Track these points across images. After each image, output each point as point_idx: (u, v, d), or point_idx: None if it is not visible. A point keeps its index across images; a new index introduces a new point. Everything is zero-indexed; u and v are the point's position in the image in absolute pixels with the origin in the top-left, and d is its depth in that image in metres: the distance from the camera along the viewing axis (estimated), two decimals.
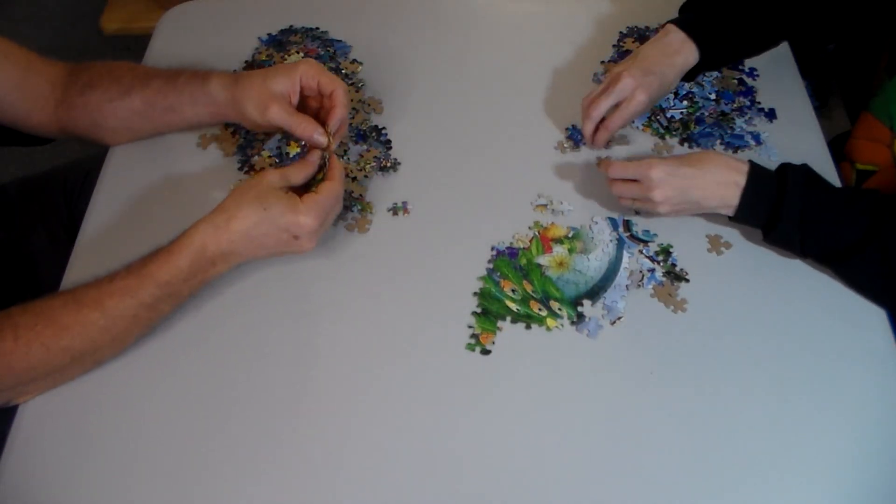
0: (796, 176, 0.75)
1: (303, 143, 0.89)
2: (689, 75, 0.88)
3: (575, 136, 0.90)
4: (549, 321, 0.75)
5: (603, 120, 0.85)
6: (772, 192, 0.75)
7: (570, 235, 0.81)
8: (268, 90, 0.79)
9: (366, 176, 0.88)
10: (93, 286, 0.68)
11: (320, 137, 0.78)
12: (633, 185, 0.78)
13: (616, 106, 0.84)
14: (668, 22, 0.87)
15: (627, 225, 0.82)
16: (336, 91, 0.80)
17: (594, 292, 0.77)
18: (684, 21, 0.86)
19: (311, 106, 0.83)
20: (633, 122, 0.91)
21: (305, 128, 0.78)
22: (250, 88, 0.80)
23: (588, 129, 0.86)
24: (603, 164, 0.83)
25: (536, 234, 0.81)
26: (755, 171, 0.76)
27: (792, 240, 0.75)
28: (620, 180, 0.79)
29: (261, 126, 0.83)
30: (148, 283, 0.68)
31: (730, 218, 0.78)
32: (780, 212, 0.74)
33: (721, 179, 0.76)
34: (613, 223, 0.82)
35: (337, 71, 0.99)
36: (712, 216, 0.82)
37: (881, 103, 0.88)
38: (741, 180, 0.75)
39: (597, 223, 0.82)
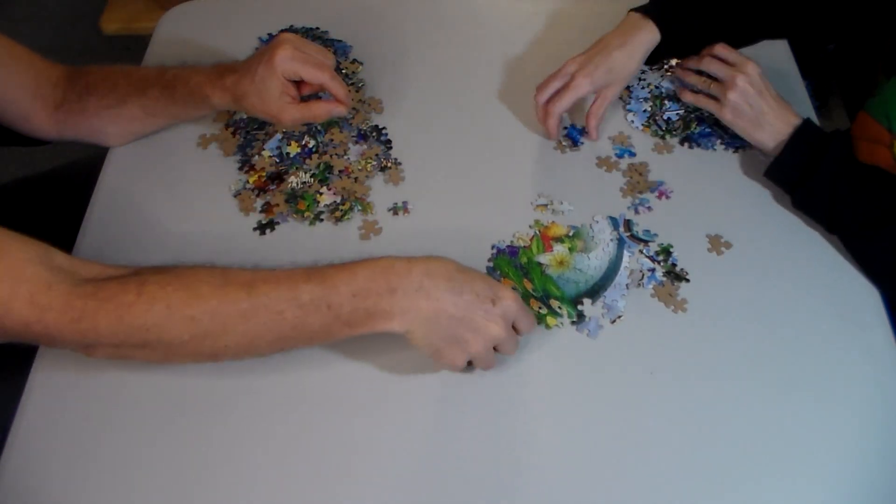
0: (843, 142, 0.77)
1: (304, 143, 0.89)
2: (656, 57, 0.88)
3: (573, 135, 0.90)
4: (550, 319, 0.75)
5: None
6: (815, 147, 0.77)
7: (570, 234, 0.81)
8: (268, 105, 0.79)
9: (367, 176, 0.88)
10: (250, 270, 0.62)
11: (339, 110, 0.81)
12: (723, 65, 0.83)
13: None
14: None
15: (628, 224, 0.82)
16: (325, 84, 0.80)
17: (594, 291, 0.77)
18: (643, 5, 0.88)
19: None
20: (633, 122, 0.92)
21: (322, 114, 0.81)
22: (254, 108, 0.80)
23: (552, 123, 0.87)
24: (703, 52, 0.86)
25: (537, 232, 0.82)
26: (809, 125, 0.80)
27: (820, 202, 0.77)
28: (715, 58, 0.83)
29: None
30: (315, 277, 0.61)
31: (765, 172, 0.81)
32: (816, 168, 0.76)
33: (784, 113, 0.80)
34: (614, 222, 0.82)
35: (337, 71, 0.99)
36: (713, 216, 0.82)
37: (879, 104, 0.88)
38: (796, 122, 0.80)
39: (597, 222, 0.82)
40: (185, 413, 0.70)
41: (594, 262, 0.79)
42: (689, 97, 0.87)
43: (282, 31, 1.04)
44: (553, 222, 0.82)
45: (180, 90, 0.83)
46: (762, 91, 0.81)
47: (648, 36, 0.85)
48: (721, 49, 0.84)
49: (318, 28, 1.05)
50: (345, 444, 0.68)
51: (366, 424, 0.69)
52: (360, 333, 0.63)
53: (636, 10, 0.88)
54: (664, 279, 0.77)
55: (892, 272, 0.74)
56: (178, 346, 0.61)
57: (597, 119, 0.88)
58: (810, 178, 0.77)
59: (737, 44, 0.91)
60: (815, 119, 0.91)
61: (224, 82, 0.81)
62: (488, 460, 0.67)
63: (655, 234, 0.81)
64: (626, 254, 0.80)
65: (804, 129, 0.79)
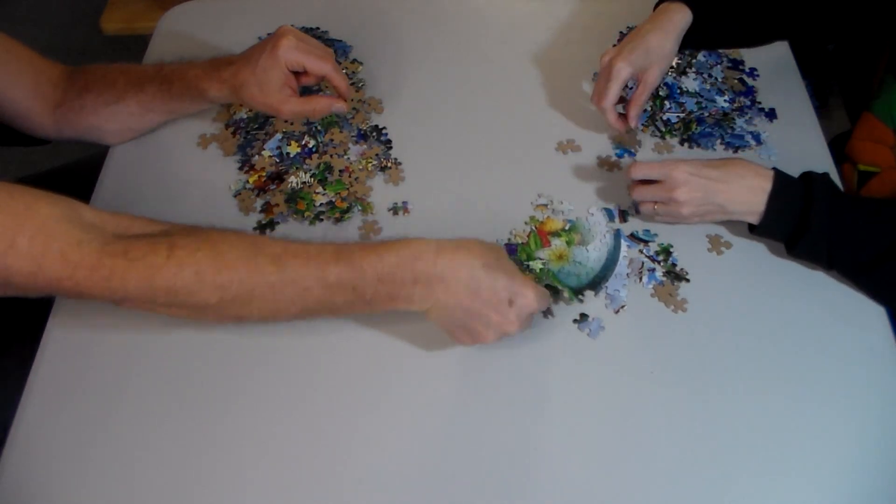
0: (823, 184, 0.73)
1: (303, 142, 0.89)
2: (691, 42, 0.87)
3: (621, 154, 0.89)
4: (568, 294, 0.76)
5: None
6: (798, 199, 0.73)
7: (567, 228, 0.81)
8: (269, 96, 0.80)
9: (367, 176, 0.88)
10: (280, 242, 0.63)
11: (339, 106, 0.82)
12: (655, 187, 0.77)
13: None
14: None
15: (623, 215, 0.82)
16: (327, 76, 0.81)
17: (596, 283, 0.77)
18: None
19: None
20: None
21: (322, 110, 0.81)
22: (253, 99, 0.80)
23: (611, 118, 0.86)
24: (627, 169, 0.80)
25: (533, 228, 0.82)
26: (781, 177, 0.74)
27: (819, 249, 0.73)
28: (642, 183, 0.78)
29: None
30: (342, 259, 0.62)
31: (751, 229, 0.77)
32: (808, 219, 0.72)
33: (747, 184, 0.74)
34: (609, 214, 0.82)
35: None
36: None
37: (884, 104, 0.88)
38: (767, 186, 0.73)
39: (592, 214, 0.83)
40: (186, 411, 0.70)
41: (593, 254, 0.79)
42: (659, 220, 0.81)
43: None
44: (549, 217, 0.83)
45: (177, 85, 0.84)
46: (706, 187, 0.74)
47: (679, 15, 0.85)
48: (637, 171, 0.77)
49: (318, 28, 1.05)
50: (344, 443, 0.68)
51: (368, 421, 0.69)
52: (381, 311, 0.65)
53: (665, 0, 0.87)
54: (664, 279, 0.77)
55: None
56: (205, 309, 0.62)
57: (639, 106, 0.85)
58: (805, 230, 0.72)
59: (757, 37, 0.92)
60: (814, 119, 0.92)
61: (221, 75, 0.81)
62: (490, 458, 0.67)
63: (655, 234, 0.81)
64: (623, 243, 0.80)
65: (778, 186, 0.73)
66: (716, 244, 0.80)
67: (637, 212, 0.81)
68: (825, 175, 0.75)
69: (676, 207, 0.76)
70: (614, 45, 0.98)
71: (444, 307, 0.64)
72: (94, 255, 0.58)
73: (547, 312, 0.75)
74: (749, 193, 0.74)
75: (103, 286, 0.59)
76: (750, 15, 0.89)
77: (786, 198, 0.73)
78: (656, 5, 0.89)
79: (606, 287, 0.77)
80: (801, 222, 0.72)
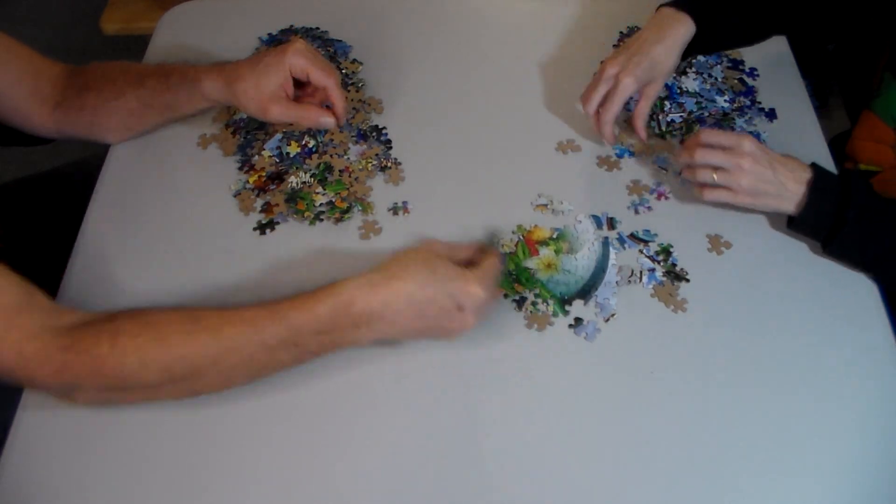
0: (860, 180, 0.74)
1: (303, 143, 0.89)
2: (694, 50, 0.86)
3: (621, 154, 0.89)
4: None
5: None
6: (837, 191, 0.74)
7: (554, 236, 0.81)
8: (262, 92, 0.80)
9: (367, 176, 0.88)
10: (216, 311, 0.63)
11: (327, 120, 0.81)
12: (721, 153, 0.76)
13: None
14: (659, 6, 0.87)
15: (611, 222, 0.82)
16: (329, 89, 0.81)
17: (585, 291, 0.77)
18: (672, 1, 0.86)
19: (307, 89, 0.84)
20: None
21: (310, 118, 0.80)
22: (245, 94, 0.80)
23: (607, 132, 0.85)
24: (688, 141, 0.80)
25: (521, 237, 0.81)
26: (819, 171, 0.76)
27: (852, 243, 0.74)
28: (707, 147, 0.77)
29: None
30: (277, 321, 0.62)
31: (789, 223, 0.78)
32: (846, 210, 0.73)
33: (795, 171, 0.75)
34: (597, 221, 0.82)
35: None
36: (713, 216, 0.82)
37: (884, 103, 0.88)
38: (808, 175, 0.75)
39: (580, 222, 0.82)
40: (186, 415, 0.70)
41: (582, 262, 0.79)
42: (707, 195, 0.79)
43: (282, 30, 1.04)
44: (536, 226, 0.82)
45: (175, 77, 0.84)
46: (770, 162, 0.76)
47: (684, 29, 0.83)
48: (708, 136, 0.78)
49: (318, 28, 1.05)
50: (343, 443, 0.68)
51: (364, 425, 0.69)
52: (332, 353, 0.66)
53: (667, 5, 0.86)
54: (664, 279, 0.77)
55: None
56: (156, 390, 0.64)
57: (643, 119, 0.85)
58: (840, 228, 0.73)
59: (755, 37, 0.91)
60: (814, 119, 0.92)
61: (221, 68, 0.82)
62: (488, 463, 0.67)
63: (655, 234, 0.81)
64: (612, 251, 0.79)
65: (819, 179, 0.75)
66: (716, 244, 0.80)
67: (679, 175, 0.82)
68: (863, 179, 0.76)
69: (738, 177, 0.76)
70: (615, 46, 0.98)
71: (398, 334, 0.66)
72: (46, 350, 0.60)
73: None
74: (797, 183, 0.75)
75: (55, 379, 0.61)
76: (750, 20, 0.88)
77: (823, 190, 0.74)
78: (658, 7, 0.88)
79: (596, 296, 0.76)
80: (837, 218, 0.73)
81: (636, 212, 0.83)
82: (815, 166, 0.76)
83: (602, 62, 0.85)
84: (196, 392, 0.66)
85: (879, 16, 0.86)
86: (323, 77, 0.80)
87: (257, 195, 0.86)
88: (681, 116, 0.92)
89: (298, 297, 0.63)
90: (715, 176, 0.77)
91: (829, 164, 0.86)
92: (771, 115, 0.92)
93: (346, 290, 0.62)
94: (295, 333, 0.62)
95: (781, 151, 0.87)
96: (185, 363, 0.61)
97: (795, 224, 0.77)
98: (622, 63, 0.82)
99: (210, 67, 0.83)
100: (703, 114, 0.91)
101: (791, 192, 0.75)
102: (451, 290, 0.63)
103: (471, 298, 0.64)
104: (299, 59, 0.79)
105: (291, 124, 0.90)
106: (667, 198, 0.84)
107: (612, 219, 0.82)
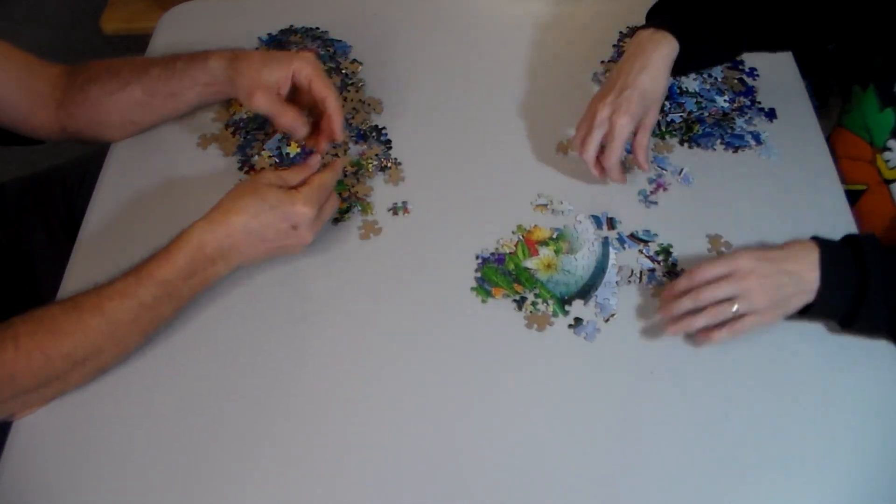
0: (869, 243, 0.69)
1: (303, 143, 0.89)
2: (681, 69, 0.84)
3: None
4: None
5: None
6: (847, 262, 0.69)
7: (554, 237, 0.81)
8: (260, 77, 0.80)
9: (368, 176, 0.88)
10: (93, 291, 0.68)
11: (302, 131, 0.81)
12: (723, 283, 0.69)
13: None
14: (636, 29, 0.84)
15: (611, 222, 0.82)
16: (328, 100, 0.80)
17: (585, 291, 0.77)
18: (650, 21, 0.84)
19: (305, 101, 0.83)
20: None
21: (286, 118, 0.80)
22: (245, 72, 0.81)
23: (597, 172, 0.82)
24: (674, 288, 0.72)
25: (521, 237, 0.81)
26: (825, 247, 0.70)
27: (879, 314, 0.68)
28: (705, 285, 0.70)
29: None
30: (147, 282, 0.68)
31: (803, 312, 0.70)
32: (866, 283, 0.67)
33: (802, 255, 0.69)
34: (597, 221, 0.82)
35: (337, 71, 0.99)
36: (713, 216, 0.82)
37: (856, 117, 0.85)
38: (814, 257, 0.69)
39: (580, 222, 0.82)
40: (184, 416, 0.70)
41: (581, 262, 0.79)
42: (734, 332, 0.70)
43: (282, 30, 1.04)
44: (535, 226, 0.82)
45: (182, 61, 0.85)
46: (775, 264, 0.69)
47: (667, 49, 0.80)
48: (701, 273, 0.70)
49: (318, 28, 1.05)
50: (343, 443, 0.68)
51: (364, 425, 0.69)
52: (204, 290, 0.73)
53: (644, 27, 0.83)
54: (664, 279, 0.77)
55: None
56: (67, 377, 0.68)
57: (644, 151, 0.81)
58: (862, 302, 0.68)
59: (743, 50, 0.89)
60: (814, 119, 0.91)
61: (231, 50, 0.84)
62: (488, 463, 0.67)
63: (655, 234, 0.81)
64: (612, 251, 0.79)
65: (827, 256, 0.69)
66: (716, 244, 0.80)
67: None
68: (871, 237, 0.71)
69: (753, 298, 0.68)
70: (615, 46, 0.97)
71: (250, 259, 0.74)
72: None
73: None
74: (808, 269, 0.69)
75: None
76: (735, 34, 0.86)
77: (835, 266, 0.69)
78: (637, 28, 0.84)
79: (596, 296, 0.76)
80: (857, 293, 0.68)
81: (645, 203, 0.83)
82: (818, 241, 0.71)
83: (590, 103, 0.82)
84: (102, 367, 0.70)
85: (880, 17, 0.85)
86: (323, 88, 0.80)
87: None
88: (681, 116, 0.92)
89: (157, 254, 0.70)
90: (735, 307, 0.69)
91: (828, 164, 0.86)
92: (771, 115, 0.92)
93: (195, 234, 0.70)
94: (166, 287, 0.69)
95: (781, 151, 0.87)
96: (84, 345, 0.66)
97: (813, 313, 0.70)
98: (613, 103, 0.78)
99: (220, 50, 0.85)
100: (702, 114, 0.91)
101: (809, 280, 0.69)
102: (282, 214, 0.71)
103: (300, 216, 0.72)
104: (307, 66, 0.80)
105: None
106: (665, 189, 0.85)
107: (611, 219, 0.82)
